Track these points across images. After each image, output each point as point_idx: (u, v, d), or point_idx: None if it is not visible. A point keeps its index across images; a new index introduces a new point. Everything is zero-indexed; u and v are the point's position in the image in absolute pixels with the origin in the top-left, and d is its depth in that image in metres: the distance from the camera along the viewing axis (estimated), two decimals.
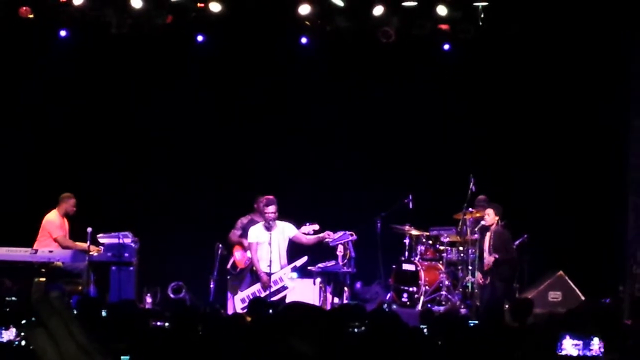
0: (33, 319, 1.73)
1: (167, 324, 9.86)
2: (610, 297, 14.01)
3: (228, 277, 15.13)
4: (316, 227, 14.47)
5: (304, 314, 3.17)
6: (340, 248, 14.43)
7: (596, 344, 7.94)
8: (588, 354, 8.03)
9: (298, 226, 14.34)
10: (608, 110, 16.11)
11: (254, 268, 14.33)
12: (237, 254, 15.08)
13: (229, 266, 15.08)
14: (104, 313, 8.14)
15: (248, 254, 14.88)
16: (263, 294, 13.86)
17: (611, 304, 13.14)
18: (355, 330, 7.18)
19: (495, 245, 14.52)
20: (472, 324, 9.37)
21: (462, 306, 14.73)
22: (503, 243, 14.55)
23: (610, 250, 15.63)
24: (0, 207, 15.77)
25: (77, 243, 14.19)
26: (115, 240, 14.31)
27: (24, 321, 7.31)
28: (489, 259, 14.48)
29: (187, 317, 7.60)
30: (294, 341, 2.99)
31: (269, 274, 14.03)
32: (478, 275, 14.65)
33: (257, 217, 15.05)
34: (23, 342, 7.09)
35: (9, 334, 7.33)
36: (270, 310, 9.45)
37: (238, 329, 6.43)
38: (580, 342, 8.00)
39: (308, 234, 14.36)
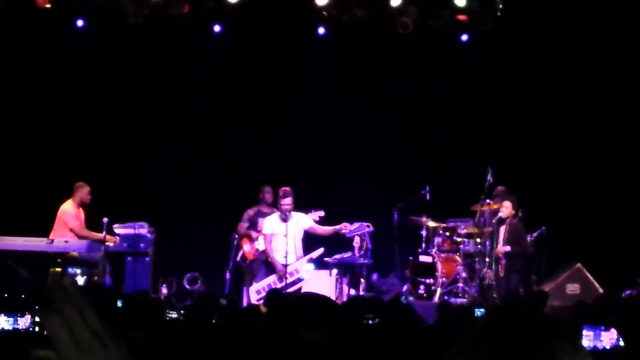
0: (47, 305, 1.71)
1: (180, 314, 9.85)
2: (630, 290, 13.90)
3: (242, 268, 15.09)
4: (321, 213, 14.44)
5: (314, 304, 3.14)
6: (356, 239, 14.41)
7: (607, 336, 7.87)
8: (599, 345, 7.97)
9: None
10: (625, 97, 16.06)
11: (269, 259, 14.33)
12: (246, 247, 15.05)
13: (238, 258, 15.06)
14: (119, 303, 8.13)
15: (256, 245, 14.87)
16: (279, 285, 13.85)
17: (631, 296, 13.05)
18: (370, 322, 7.13)
19: (510, 238, 14.52)
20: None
21: (480, 298, 14.67)
22: (517, 236, 14.54)
23: (629, 242, 15.53)
24: (17, 197, 15.80)
25: (93, 233, 14.18)
26: (131, 231, 14.30)
27: (37, 307, 7.34)
28: (500, 248, 14.49)
29: (203, 308, 7.57)
30: (302, 331, 2.95)
31: (285, 265, 14.02)
32: (489, 273, 14.64)
33: (263, 208, 15.07)
34: (37, 329, 7.11)
35: (25, 321, 7.36)
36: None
37: (254, 320, 6.40)
38: (592, 333, 7.94)
39: (316, 221, 14.36)
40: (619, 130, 16.38)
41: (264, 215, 14.84)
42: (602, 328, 8.00)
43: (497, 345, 1.64)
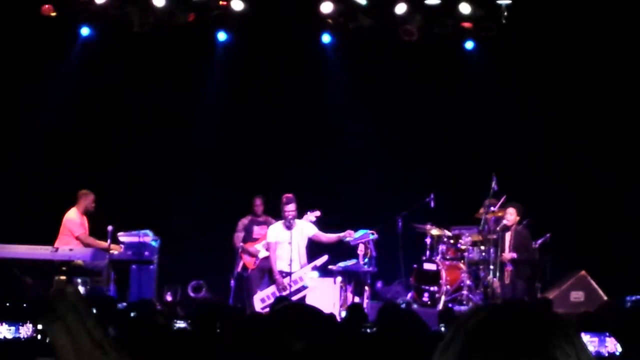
0: (50, 312, 1.72)
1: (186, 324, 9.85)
2: (633, 297, 13.87)
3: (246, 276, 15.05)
4: (317, 213, 14.39)
5: (299, 314, 3.14)
6: (361, 247, 14.41)
7: (611, 343, 7.88)
8: (603, 351, 7.97)
9: (300, 217, 14.31)
10: (629, 105, 16.10)
11: (271, 269, 14.29)
12: (245, 257, 15.03)
13: (239, 269, 15.06)
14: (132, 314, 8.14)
15: (260, 254, 14.82)
16: (284, 294, 13.83)
17: (634, 303, 13.03)
18: (368, 331, 7.12)
19: (516, 244, 14.50)
20: None
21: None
22: (523, 243, 14.52)
23: (633, 250, 15.50)
24: (21, 205, 15.82)
25: (98, 241, 14.18)
26: (135, 239, 14.31)
27: (40, 315, 7.35)
28: (507, 255, 14.47)
29: (207, 317, 7.57)
30: (286, 339, 2.96)
31: (289, 273, 13.99)
32: (495, 281, 14.60)
33: (256, 217, 15.11)
34: (39, 337, 7.14)
35: (26, 330, 7.38)
36: None
37: (255, 329, 6.40)
38: (596, 339, 7.95)
39: (312, 222, 14.33)
40: (624, 134, 16.39)
41: (259, 223, 14.93)
42: (607, 334, 8.01)
43: (495, 341, 1.59)
